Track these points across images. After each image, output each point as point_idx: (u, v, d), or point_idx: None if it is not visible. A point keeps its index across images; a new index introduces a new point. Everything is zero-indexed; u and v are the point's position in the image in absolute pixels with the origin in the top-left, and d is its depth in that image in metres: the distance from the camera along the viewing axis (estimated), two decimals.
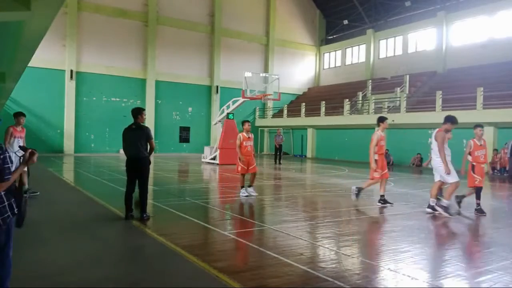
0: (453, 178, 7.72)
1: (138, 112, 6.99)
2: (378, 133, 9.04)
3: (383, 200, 8.95)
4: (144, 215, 6.80)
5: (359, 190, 9.32)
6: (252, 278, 4.12)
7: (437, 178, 7.96)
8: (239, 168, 9.63)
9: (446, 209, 7.78)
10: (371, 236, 6.20)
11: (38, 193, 9.00)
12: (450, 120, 7.96)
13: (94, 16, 27.24)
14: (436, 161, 7.93)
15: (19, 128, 8.87)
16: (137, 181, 6.91)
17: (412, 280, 4.22)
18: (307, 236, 6.17)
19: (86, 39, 27.06)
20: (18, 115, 8.96)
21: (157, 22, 29.31)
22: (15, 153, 8.54)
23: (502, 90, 18.88)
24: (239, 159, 9.59)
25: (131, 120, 7.08)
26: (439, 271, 4.63)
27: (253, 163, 9.69)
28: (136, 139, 6.80)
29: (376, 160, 8.83)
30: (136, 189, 6.92)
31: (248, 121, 9.95)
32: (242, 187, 9.73)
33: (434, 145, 7.90)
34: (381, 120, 9.19)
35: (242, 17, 33.03)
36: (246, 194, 9.59)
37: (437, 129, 8.02)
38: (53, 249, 5.16)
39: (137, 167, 6.83)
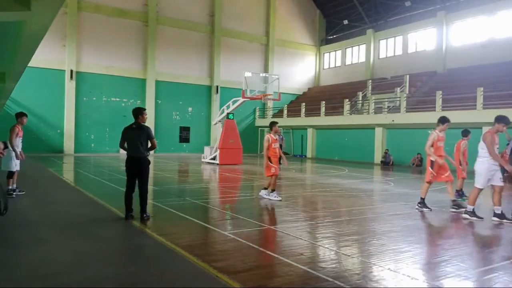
0: (478, 184, 7.38)
1: (138, 112, 6.96)
2: (435, 133, 8.43)
3: (457, 205, 8.31)
4: (144, 215, 6.79)
5: (457, 205, 8.34)
6: (252, 278, 4.12)
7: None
8: (272, 170, 9.26)
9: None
10: (371, 236, 6.20)
11: (24, 192, 9.12)
12: (502, 120, 7.30)
13: (94, 16, 27.24)
14: (477, 162, 7.43)
15: (20, 128, 9.00)
16: (137, 181, 6.89)
17: (412, 280, 4.22)
18: (307, 236, 6.17)
19: (86, 39, 27.06)
20: (22, 115, 9.09)
21: (157, 22, 29.31)
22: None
23: (502, 90, 18.88)
24: (270, 161, 9.32)
25: (131, 120, 7.07)
26: (439, 271, 4.63)
27: (277, 165, 9.49)
28: (136, 139, 6.77)
29: (432, 162, 8.30)
30: (136, 189, 6.92)
31: (277, 123, 9.72)
32: (273, 190, 9.38)
33: (483, 147, 7.35)
34: (440, 120, 8.54)
35: (242, 17, 33.03)
36: (280, 198, 9.30)
37: (486, 130, 7.45)
38: (53, 249, 5.16)
39: (137, 167, 6.81)
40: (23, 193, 9.05)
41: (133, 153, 6.78)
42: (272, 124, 9.61)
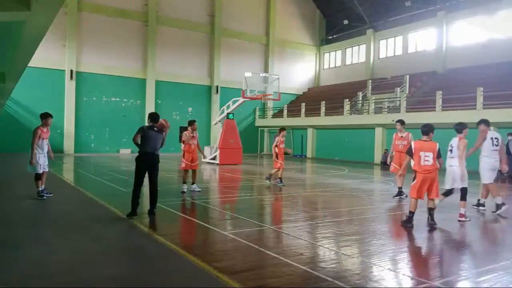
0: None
1: (158, 117, 7.58)
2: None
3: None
4: (154, 209, 7.12)
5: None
6: (252, 278, 4.12)
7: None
8: (278, 165, 11.97)
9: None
10: (371, 236, 6.20)
11: (51, 194, 8.95)
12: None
13: (94, 16, 27.24)
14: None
15: (45, 129, 8.77)
16: (148, 178, 7.23)
17: (412, 280, 4.22)
18: (307, 236, 6.17)
19: (86, 39, 27.05)
20: (46, 116, 8.81)
21: (157, 22, 29.31)
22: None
23: (502, 90, 18.87)
24: (276, 157, 11.95)
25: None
26: (439, 271, 4.63)
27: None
28: (157, 139, 7.31)
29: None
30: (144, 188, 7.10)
31: (284, 129, 12.36)
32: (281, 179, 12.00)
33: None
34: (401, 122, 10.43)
35: (242, 17, 33.02)
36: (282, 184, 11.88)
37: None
38: (53, 249, 5.16)
39: (152, 162, 7.22)
40: (51, 195, 8.93)
41: (152, 150, 7.20)
42: (280, 130, 12.16)
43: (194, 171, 10.50)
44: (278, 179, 11.96)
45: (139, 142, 7.19)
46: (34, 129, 8.65)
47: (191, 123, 10.63)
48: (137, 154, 7.20)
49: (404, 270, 4.55)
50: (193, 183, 10.51)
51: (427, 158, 6.65)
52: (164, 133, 7.54)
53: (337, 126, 26.96)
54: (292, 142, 31.18)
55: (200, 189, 10.45)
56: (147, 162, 7.17)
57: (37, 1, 4.97)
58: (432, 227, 6.74)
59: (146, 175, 7.21)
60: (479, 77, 22.37)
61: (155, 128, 7.38)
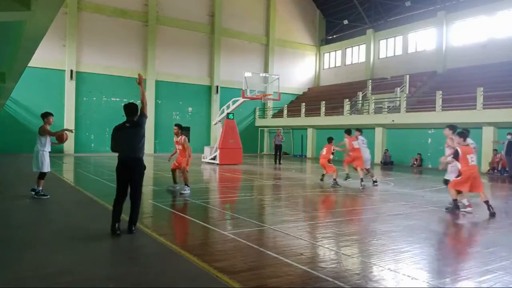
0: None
1: (134, 108, 5.97)
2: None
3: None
4: (133, 228, 5.87)
5: None
6: (252, 278, 4.12)
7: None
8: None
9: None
10: (371, 236, 6.20)
11: (48, 196, 8.90)
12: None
13: (94, 16, 27.24)
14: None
15: (49, 127, 8.91)
16: (130, 187, 6.03)
17: (412, 280, 4.22)
18: (307, 236, 6.17)
19: (86, 39, 27.04)
20: (47, 114, 8.93)
21: (157, 22, 29.30)
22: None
23: (502, 90, 18.87)
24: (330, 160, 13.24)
25: None
26: (439, 271, 4.63)
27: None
28: (132, 139, 5.94)
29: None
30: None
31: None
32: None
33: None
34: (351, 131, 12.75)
35: (242, 17, 33.02)
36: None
37: None
38: (53, 249, 5.16)
39: (132, 170, 5.95)
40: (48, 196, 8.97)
41: (129, 154, 5.94)
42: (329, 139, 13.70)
43: (182, 172, 10.16)
44: (334, 180, 12.55)
45: (118, 148, 6.01)
46: (41, 127, 8.74)
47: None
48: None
49: (404, 270, 4.55)
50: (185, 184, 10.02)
51: (473, 159, 7.74)
52: (140, 121, 5.95)
53: (337, 126, 26.92)
54: (292, 142, 31.21)
55: (187, 192, 9.75)
56: (125, 171, 5.92)
57: (37, 1, 4.97)
58: (493, 215, 7.68)
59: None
60: (479, 77, 22.38)
61: (127, 124, 5.93)
